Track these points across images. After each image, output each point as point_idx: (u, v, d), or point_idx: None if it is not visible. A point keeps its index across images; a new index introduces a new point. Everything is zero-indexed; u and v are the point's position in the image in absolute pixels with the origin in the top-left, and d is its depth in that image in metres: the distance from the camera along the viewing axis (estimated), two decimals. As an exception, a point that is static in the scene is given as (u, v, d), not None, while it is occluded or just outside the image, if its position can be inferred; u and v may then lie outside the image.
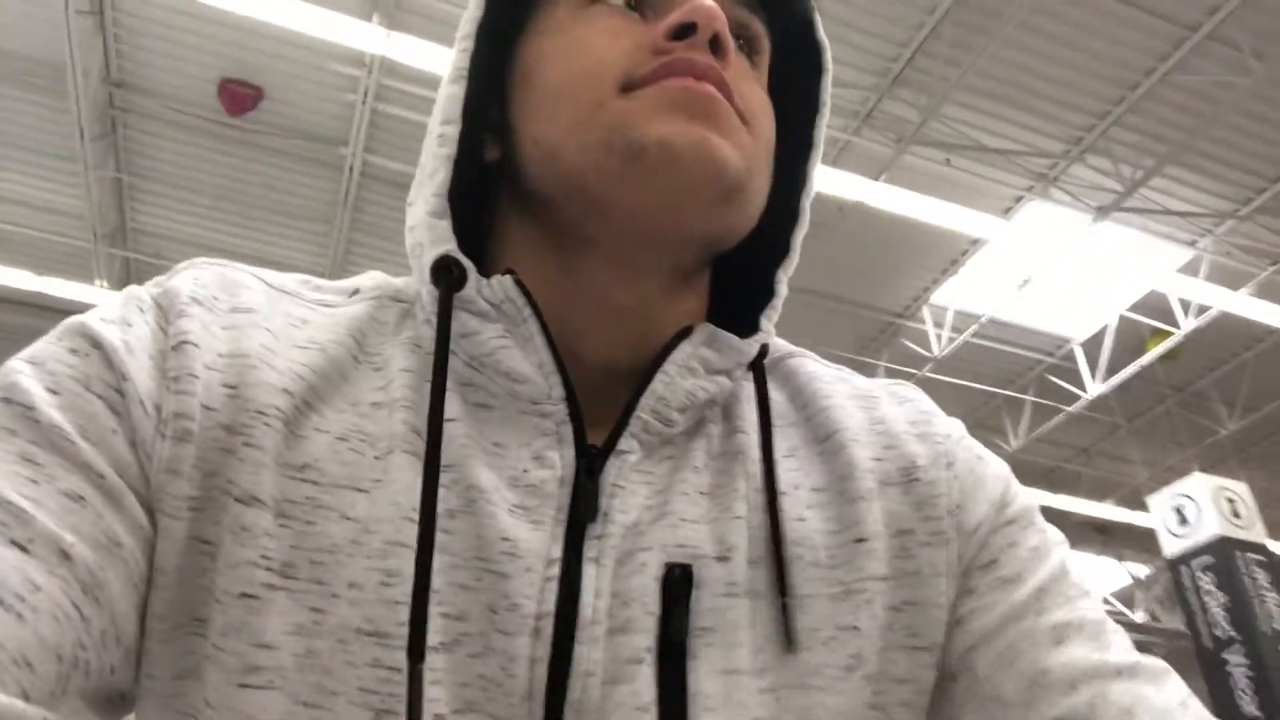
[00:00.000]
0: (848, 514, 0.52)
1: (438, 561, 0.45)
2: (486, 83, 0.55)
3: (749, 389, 0.56)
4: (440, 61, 5.16)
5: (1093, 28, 5.71)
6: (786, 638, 0.47)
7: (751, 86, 0.54)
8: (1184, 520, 7.02)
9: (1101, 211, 6.65)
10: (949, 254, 7.17)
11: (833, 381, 0.59)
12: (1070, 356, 8.18)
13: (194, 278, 0.52)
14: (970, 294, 7.42)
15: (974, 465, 0.56)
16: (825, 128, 0.60)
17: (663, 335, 0.52)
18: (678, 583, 0.47)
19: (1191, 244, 7.14)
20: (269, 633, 0.44)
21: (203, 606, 0.44)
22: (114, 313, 0.49)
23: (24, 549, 0.40)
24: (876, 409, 0.57)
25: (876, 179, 6.22)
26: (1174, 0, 5.55)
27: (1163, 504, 7.20)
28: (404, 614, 0.43)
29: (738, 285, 0.58)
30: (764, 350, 0.56)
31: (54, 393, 0.44)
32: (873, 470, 0.53)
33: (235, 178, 6.61)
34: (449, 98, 0.53)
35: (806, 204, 0.57)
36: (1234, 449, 9.12)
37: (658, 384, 0.51)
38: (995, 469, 0.56)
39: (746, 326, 0.55)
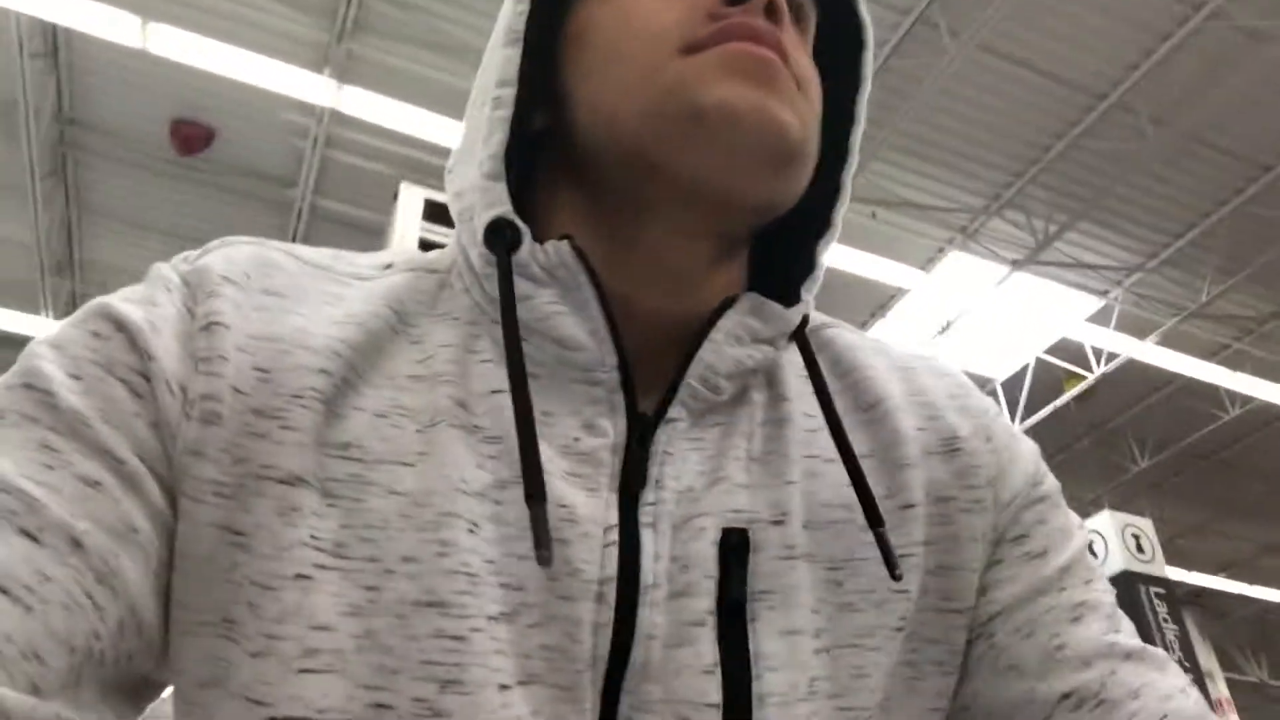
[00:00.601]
0: (896, 480, 0.53)
1: (494, 533, 0.45)
2: (534, 49, 0.54)
3: (792, 358, 0.56)
4: (391, 114, 5.37)
5: (1008, 94, 6.11)
6: (888, 566, 0.48)
7: (802, 55, 0.54)
8: (1094, 555, 7.42)
9: (1017, 264, 7.05)
10: (875, 301, 7.53)
11: (871, 352, 0.59)
12: (993, 395, 8.58)
13: (226, 256, 0.51)
14: (894, 339, 7.79)
15: (1010, 441, 0.57)
16: (865, 102, 0.59)
17: (709, 304, 0.52)
18: (735, 547, 0.47)
19: (1104, 293, 7.58)
20: (324, 614, 0.43)
21: (232, 605, 0.43)
22: (139, 292, 0.49)
23: (34, 538, 0.39)
24: (916, 379, 0.58)
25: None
26: (1082, 71, 5.97)
27: (1075, 539, 7.58)
28: (462, 583, 0.43)
29: (775, 258, 0.58)
30: (805, 320, 0.56)
31: (75, 377, 0.44)
32: (916, 439, 0.54)
33: (186, 214, 6.72)
34: (505, 60, 0.52)
35: (849, 178, 0.57)
36: (1146, 485, 9.61)
37: (706, 351, 0.51)
38: (1028, 447, 0.58)
39: (786, 299, 0.55)
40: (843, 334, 0.60)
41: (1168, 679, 0.50)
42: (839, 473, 0.51)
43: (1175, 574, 10.26)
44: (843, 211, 0.56)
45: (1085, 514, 8.08)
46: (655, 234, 0.51)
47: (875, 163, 6.41)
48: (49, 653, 0.38)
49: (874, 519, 0.48)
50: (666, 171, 0.49)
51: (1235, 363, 8.11)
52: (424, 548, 0.44)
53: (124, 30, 4.90)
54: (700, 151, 0.48)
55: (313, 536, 0.44)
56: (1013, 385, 8.47)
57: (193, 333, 0.47)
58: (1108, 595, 0.54)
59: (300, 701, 0.41)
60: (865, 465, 0.52)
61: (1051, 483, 0.57)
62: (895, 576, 0.48)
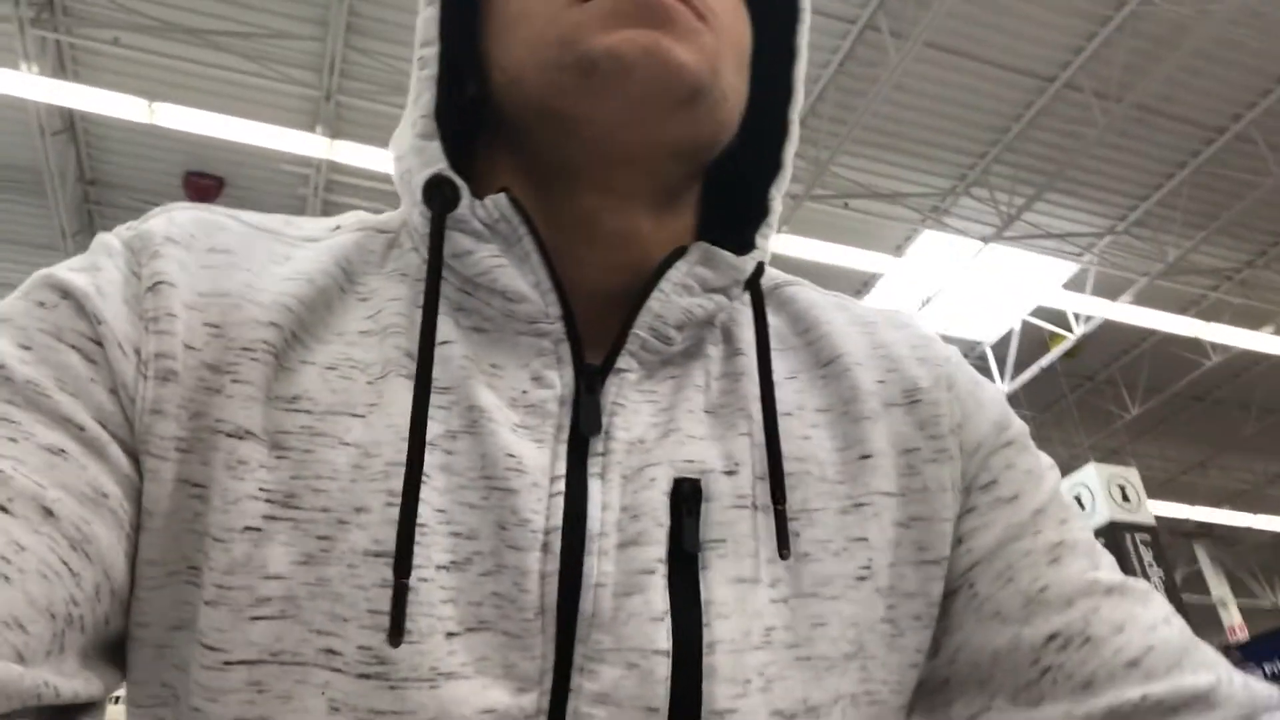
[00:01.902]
0: (853, 432, 0.52)
1: (444, 482, 0.45)
2: (466, 15, 0.53)
3: (748, 314, 0.55)
4: (380, 159, 5.85)
5: (959, 85, 6.44)
6: (781, 544, 0.48)
7: None
8: (1082, 506, 7.83)
9: (986, 239, 7.41)
10: (852, 288, 7.92)
11: (831, 309, 0.59)
12: (982, 358, 8.95)
13: (169, 219, 0.50)
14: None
15: (972, 389, 0.56)
16: (807, 34, 0.57)
17: (656, 257, 0.51)
18: (687, 496, 0.47)
19: (1078, 256, 7.90)
20: (275, 564, 0.43)
21: (196, 553, 0.43)
22: (82, 260, 0.48)
23: (5, 509, 0.39)
24: (877, 334, 0.57)
25: (779, 231, 6.91)
26: (1027, 58, 6.28)
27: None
28: (412, 532, 0.43)
29: (731, 204, 0.57)
30: (760, 271, 0.55)
31: (26, 348, 0.43)
32: (876, 392, 0.54)
33: (204, 254, 7.25)
34: (425, 20, 0.52)
35: (795, 115, 0.56)
36: (1140, 431, 9.95)
37: (654, 302, 0.50)
38: (992, 393, 0.57)
39: (743, 248, 0.54)
40: (803, 291, 0.60)
41: (1151, 610, 0.50)
42: (795, 425, 0.52)
43: (1181, 510, 10.63)
44: (792, 151, 0.55)
45: (1078, 465, 8.48)
46: (586, 195, 0.51)
47: (841, 156, 6.77)
48: (30, 621, 0.38)
49: (777, 495, 0.48)
50: (575, 127, 0.48)
51: (1214, 312, 8.42)
52: (374, 498, 0.44)
53: (132, 109, 5.39)
54: (600, 102, 0.47)
55: (261, 489, 0.44)
56: (1001, 349, 8.84)
57: (139, 294, 0.46)
58: (1084, 533, 0.54)
59: (255, 646, 0.42)
60: (823, 419, 0.53)
61: (1019, 426, 0.57)
62: (783, 555, 0.47)
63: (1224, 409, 9.97)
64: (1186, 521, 11.08)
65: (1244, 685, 0.48)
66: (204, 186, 6.67)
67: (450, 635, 0.43)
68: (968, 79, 6.39)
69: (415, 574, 0.43)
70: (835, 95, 6.40)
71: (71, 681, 0.40)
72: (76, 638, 0.41)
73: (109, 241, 0.49)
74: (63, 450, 0.42)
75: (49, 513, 0.40)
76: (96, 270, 0.47)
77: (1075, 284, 8.06)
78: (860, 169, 7.00)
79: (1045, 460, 0.57)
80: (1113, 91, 6.35)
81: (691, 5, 0.48)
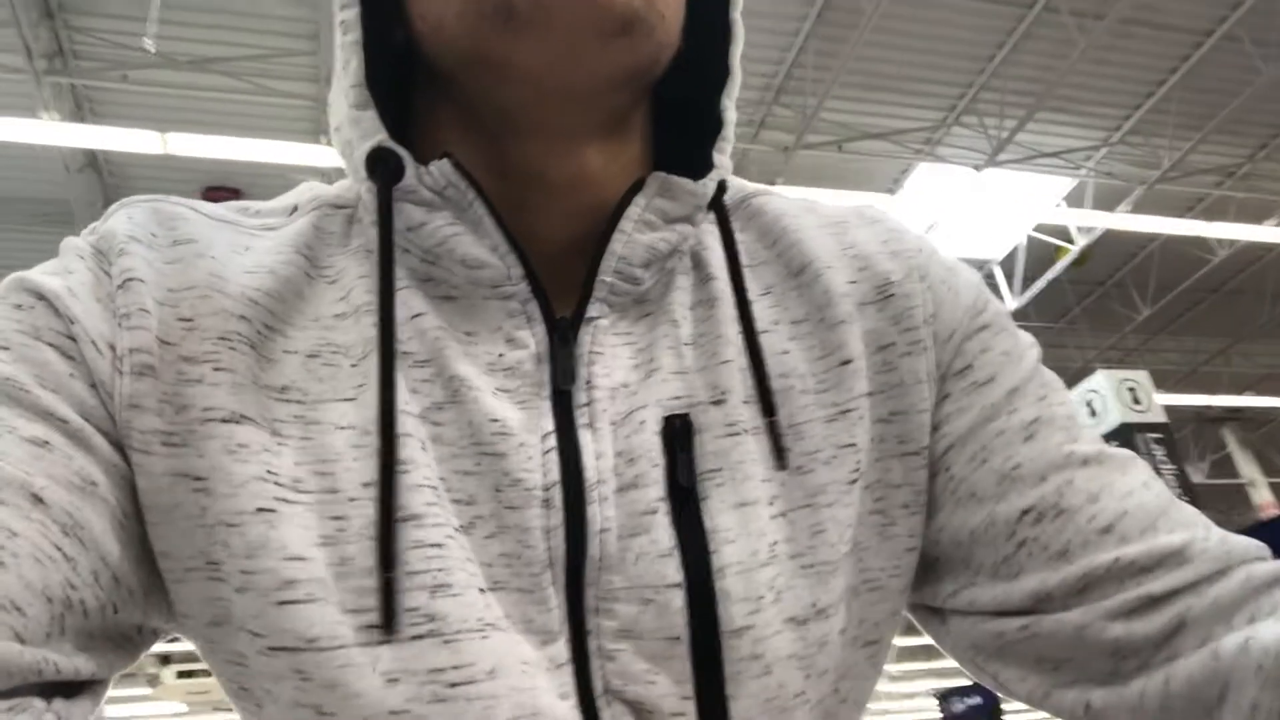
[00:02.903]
0: (830, 339, 0.52)
1: (437, 452, 0.45)
2: None
3: (716, 234, 0.54)
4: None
5: (939, 18, 6.53)
6: (777, 456, 0.48)
7: None
8: (1094, 413, 8.07)
9: (979, 167, 7.55)
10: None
11: (800, 214, 0.57)
12: (990, 276, 9.13)
13: (128, 216, 0.49)
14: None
15: (946, 276, 0.56)
16: None
17: (613, 196, 0.50)
18: (679, 433, 0.48)
19: (1075, 170, 8.01)
20: (296, 545, 0.43)
21: (211, 546, 0.43)
22: (54, 265, 0.48)
23: None
24: (847, 233, 0.56)
25: (773, 182, 7.13)
26: (1006, -13, 6.34)
27: (1075, 401, 8.25)
28: (429, 495, 0.44)
29: (682, 120, 0.55)
30: (723, 186, 0.53)
31: (4, 348, 0.44)
32: (849, 294, 0.53)
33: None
34: None
35: (737, 15, 0.52)
36: (1155, 329, 10.10)
37: (616, 244, 0.49)
38: (967, 277, 0.57)
39: (701, 166, 0.52)
40: (771, 201, 0.58)
41: (1128, 477, 0.50)
42: (774, 340, 0.51)
43: (1204, 399, 10.83)
44: (738, 53, 0.52)
45: (1090, 370, 8.70)
46: (529, 142, 0.49)
47: (830, 100, 6.92)
48: (27, 603, 0.38)
49: (766, 408, 0.49)
50: (504, 71, 0.46)
51: (1219, 209, 8.50)
52: (383, 471, 0.44)
53: (146, 142, 5.70)
54: (523, 46, 0.44)
55: (269, 472, 0.44)
56: (1008, 265, 9.01)
57: (111, 292, 0.46)
58: (1063, 408, 0.53)
59: (289, 633, 0.42)
60: (800, 331, 0.52)
61: (995, 309, 0.56)
62: (782, 465, 0.48)
63: (1239, 298, 10.07)
64: (1211, 409, 11.26)
65: (1221, 540, 0.48)
66: (222, 199, 6.96)
67: (482, 591, 0.44)
68: (946, 11, 6.48)
69: (441, 532, 0.43)
70: (816, 44, 6.53)
71: (72, 660, 0.40)
72: (77, 621, 0.41)
73: (77, 245, 0.49)
74: (47, 442, 0.42)
75: (38, 499, 0.40)
76: (68, 273, 0.47)
77: (1075, 197, 8.17)
78: (848, 111, 7.14)
79: (1025, 339, 0.56)
80: (1090, 9, 6.42)
81: None
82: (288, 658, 0.42)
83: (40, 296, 0.46)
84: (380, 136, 0.48)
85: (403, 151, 0.48)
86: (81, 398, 0.44)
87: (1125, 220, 7.95)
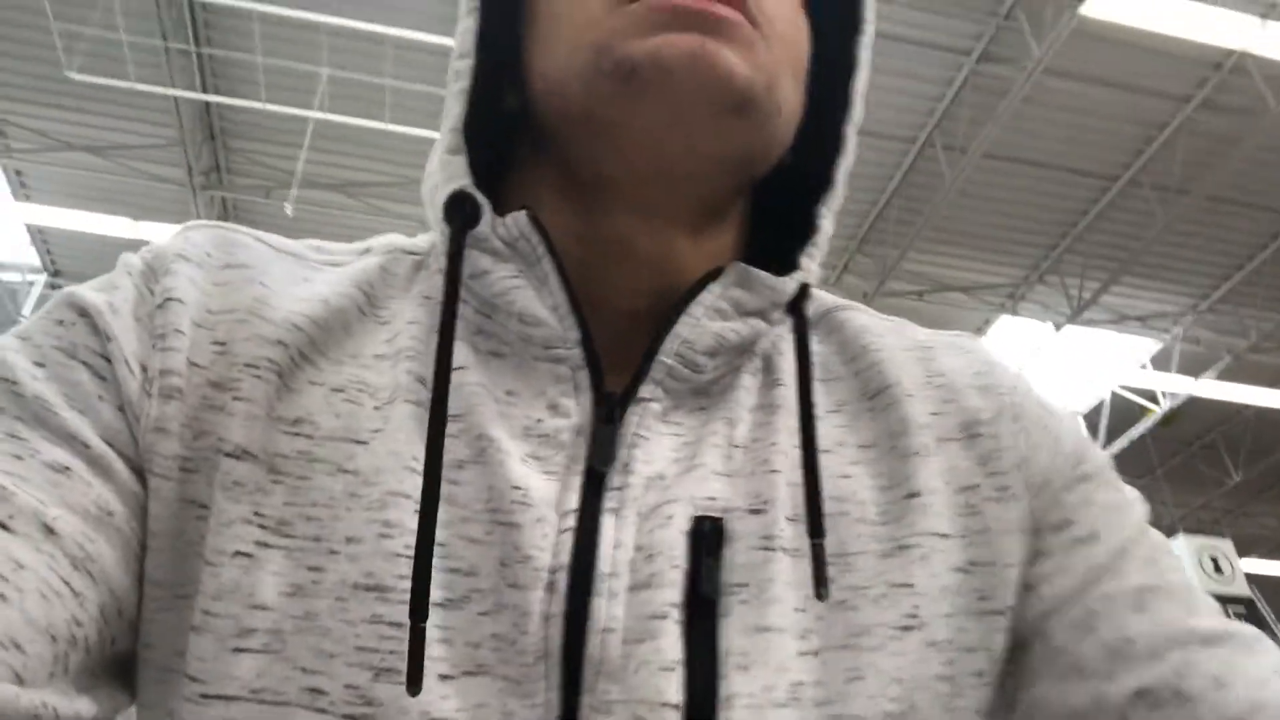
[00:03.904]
0: (899, 470, 0.48)
1: (445, 514, 0.42)
2: (504, 25, 0.51)
3: (792, 340, 0.51)
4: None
5: (1021, 188, 6.81)
6: (818, 583, 0.43)
7: None
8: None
9: (1058, 326, 7.71)
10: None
11: (885, 334, 0.54)
12: (1074, 428, 9.14)
13: (186, 237, 0.50)
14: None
15: (1043, 418, 0.52)
16: (869, 48, 0.54)
17: (691, 279, 0.48)
18: (708, 537, 0.44)
19: (1163, 333, 8.07)
20: (263, 593, 0.41)
21: (199, 573, 0.42)
22: (104, 280, 0.48)
23: (5, 527, 0.38)
24: (934, 361, 0.53)
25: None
26: (1092, 160, 6.60)
27: (1152, 566, 8.11)
28: (405, 567, 0.41)
29: (778, 225, 0.54)
30: (805, 293, 0.51)
31: (40, 365, 0.43)
32: (929, 425, 0.50)
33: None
34: (462, 33, 0.50)
35: (852, 131, 0.52)
36: (1247, 496, 9.86)
37: (682, 326, 0.47)
38: (1066, 423, 0.53)
39: (787, 269, 0.50)
40: (856, 316, 0.55)
41: (1258, 660, 0.44)
42: (834, 462, 0.48)
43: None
44: (846, 167, 0.52)
45: (1173, 532, 8.55)
46: (622, 212, 0.48)
47: (912, 252, 7.23)
48: (29, 641, 0.37)
49: (814, 529, 0.44)
50: (614, 135, 0.46)
51: (1311, 382, 8.38)
52: (367, 528, 0.42)
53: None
54: (639, 109, 0.44)
55: (256, 513, 0.42)
56: (1092, 419, 9.02)
57: (151, 311, 0.46)
58: (1177, 574, 0.48)
59: (235, 681, 0.40)
60: (866, 456, 0.49)
61: (1097, 458, 0.52)
62: (820, 595, 0.43)
63: (1339, 472, 9.77)
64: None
65: None
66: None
67: (444, 678, 0.40)
68: (1029, 181, 6.77)
69: (407, 610, 0.40)
70: (900, 203, 6.89)
71: (74, 703, 0.39)
72: (81, 658, 0.40)
73: (130, 260, 0.49)
74: (67, 468, 0.41)
75: (50, 531, 0.39)
76: (114, 289, 0.47)
77: (1161, 358, 8.20)
78: (930, 263, 7.43)
79: (1130, 493, 0.52)
80: (1174, 184, 6.61)
81: (744, 9, 0.45)
82: (223, 707, 0.40)
83: (83, 313, 0.45)
84: (464, 182, 0.48)
85: (483, 199, 0.48)
86: (108, 420, 0.43)
87: (1208, 387, 7.93)
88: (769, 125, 0.47)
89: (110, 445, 0.43)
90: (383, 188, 6.75)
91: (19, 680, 0.36)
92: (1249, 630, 0.46)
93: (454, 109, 0.49)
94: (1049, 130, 6.35)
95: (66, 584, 0.39)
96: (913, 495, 0.48)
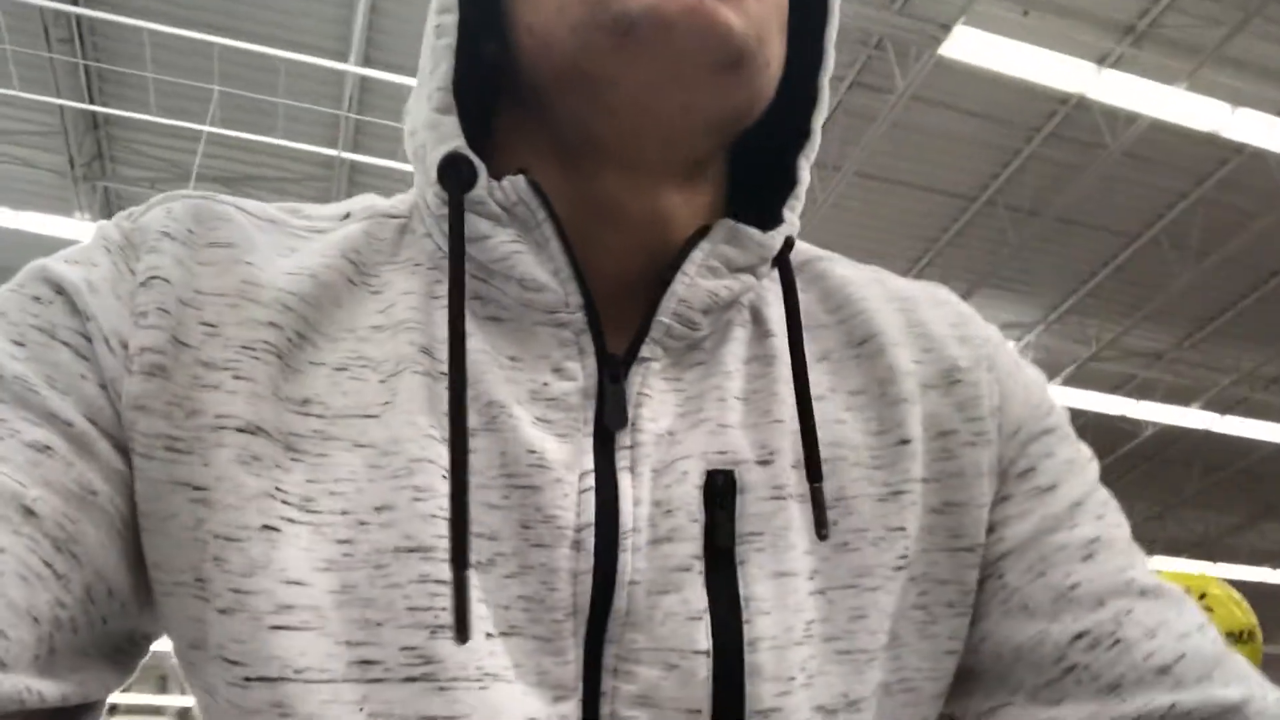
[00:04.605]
0: (889, 416, 0.50)
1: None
2: None
3: (777, 291, 0.52)
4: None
5: (891, 206, 7.28)
6: (818, 524, 0.45)
7: None
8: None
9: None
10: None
11: (867, 284, 0.55)
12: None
13: (167, 210, 0.48)
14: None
15: (1015, 370, 0.54)
16: None
17: (680, 237, 0.48)
18: (721, 490, 0.45)
19: (1017, 340, 8.72)
20: (296, 569, 0.41)
21: (203, 563, 0.41)
22: (81, 251, 0.46)
23: None
24: (915, 311, 0.54)
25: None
26: (954, 181, 7.11)
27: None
28: (442, 528, 0.41)
29: (756, 177, 0.54)
30: (789, 245, 0.51)
31: (19, 344, 0.43)
32: (913, 373, 0.51)
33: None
34: None
35: (825, 82, 0.52)
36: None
37: (678, 286, 0.47)
38: (1034, 375, 0.55)
39: (770, 222, 0.50)
40: (837, 266, 0.56)
41: (1184, 617, 0.48)
42: (828, 409, 0.49)
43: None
44: (821, 118, 0.52)
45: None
46: (611, 171, 0.47)
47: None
48: (10, 625, 0.37)
49: (813, 473, 0.46)
50: (608, 92, 0.45)
51: (1146, 390, 9.19)
52: (398, 495, 0.42)
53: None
54: (636, 65, 0.44)
55: (278, 489, 0.42)
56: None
57: (133, 290, 0.44)
58: (1120, 530, 0.51)
59: (276, 661, 0.39)
60: (857, 402, 0.50)
61: (1060, 413, 0.54)
62: (821, 536, 0.45)
63: (1170, 468, 10.70)
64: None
65: (1278, 701, 0.46)
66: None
67: (489, 636, 0.41)
68: (897, 200, 7.25)
69: (449, 568, 0.40)
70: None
71: (60, 685, 0.39)
72: (68, 639, 0.39)
73: (109, 233, 0.47)
74: (48, 447, 0.41)
75: (30, 512, 0.39)
76: (92, 265, 0.45)
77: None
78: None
79: (1085, 451, 0.55)
80: (1026, 206, 7.18)
81: None
82: (267, 689, 0.40)
83: (60, 290, 0.44)
84: (458, 143, 0.47)
85: (478, 161, 0.47)
86: (91, 399, 0.43)
87: (1057, 393, 8.60)
88: (759, 80, 0.46)
89: (94, 424, 0.42)
90: (277, 183, 6.76)
91: (1, 665, 0.37)
92: (1177, 588, 0.50)
93: (441, 65, 0.48)
94: (914, 153, 6.83)
95: (48, 566, 0.39)
96: (904, 442, 0.49)
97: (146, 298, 0.44)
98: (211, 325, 0.44)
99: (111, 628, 0.43)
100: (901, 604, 0.48)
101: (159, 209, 0.48)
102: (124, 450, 0.43)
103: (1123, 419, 9.27)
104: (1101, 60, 5.99)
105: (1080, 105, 6.34)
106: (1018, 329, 8.57)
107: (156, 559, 0.43)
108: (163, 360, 0.43)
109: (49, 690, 0.38)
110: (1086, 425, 9.82)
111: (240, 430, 0.42)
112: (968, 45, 5.43)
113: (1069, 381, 8.83)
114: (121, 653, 0.44)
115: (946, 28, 5.52)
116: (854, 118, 6.48)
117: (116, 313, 0.44)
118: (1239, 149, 6.64)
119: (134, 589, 0.43)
